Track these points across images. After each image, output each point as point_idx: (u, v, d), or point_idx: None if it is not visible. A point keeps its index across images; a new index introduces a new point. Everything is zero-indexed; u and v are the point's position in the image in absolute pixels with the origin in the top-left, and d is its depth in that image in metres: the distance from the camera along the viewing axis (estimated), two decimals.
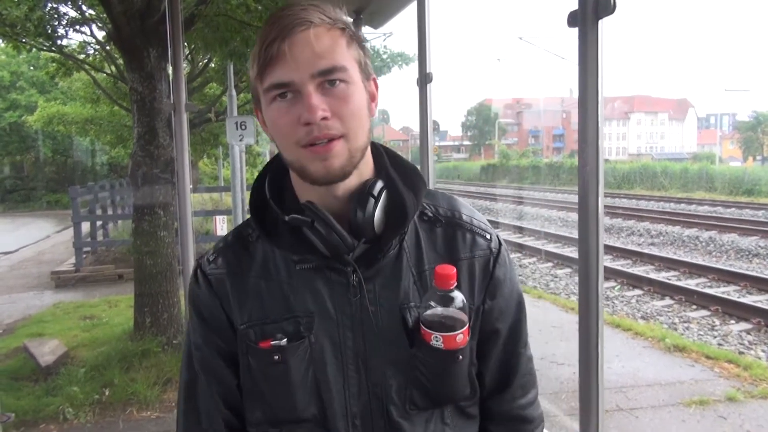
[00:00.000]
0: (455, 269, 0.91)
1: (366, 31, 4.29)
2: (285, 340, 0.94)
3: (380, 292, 0.95)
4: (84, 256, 10.45)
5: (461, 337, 0.91)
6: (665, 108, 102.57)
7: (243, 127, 7.93)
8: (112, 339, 5.64)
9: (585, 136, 1.73)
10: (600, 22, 1.66)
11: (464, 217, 1.02)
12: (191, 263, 3.89)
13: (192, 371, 1.03)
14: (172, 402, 4.51)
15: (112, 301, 7.76)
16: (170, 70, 3.92)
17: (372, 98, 0.96)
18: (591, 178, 1.74)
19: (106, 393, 4.61)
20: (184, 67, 4.74)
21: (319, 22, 0.88)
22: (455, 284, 0.90)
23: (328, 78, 0.87)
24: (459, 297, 0.91)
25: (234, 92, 8.65)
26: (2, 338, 5.77)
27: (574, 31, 1.74)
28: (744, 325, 7.02)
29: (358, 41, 0.93)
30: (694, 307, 7.82)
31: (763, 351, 6.28)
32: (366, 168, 0.97)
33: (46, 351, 5.39)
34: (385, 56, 11.39)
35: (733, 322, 7.21)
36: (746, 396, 4.48)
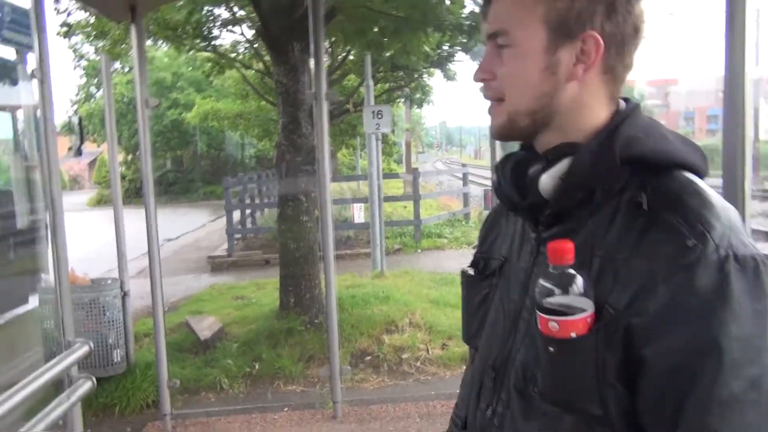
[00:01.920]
0: (572, 243, 0.77)
1: None
2: (472, 271, 1.03)
3: None
4: (235, 242, 11.24)
5: (555, 326, 0.76)
6: None
7: (379, 116, 8.09)
8: (261, 318, 6.04)
9: (731, 119, 1.62)
10: None
11: (680, 209, 0.77)
12: (331, 248, 4.09)
13: None
14: (314, 378, 4.77)
15: (260, 283, 8.26)
16: (312, 62, 4.13)
17: (577, 60, 0.83)
18: (738, 163, 1.63)
19: (256, 367, 4.96)
20: (325, 59, 4.94)
21: None
22: (571, 262, 0.76)
23: (496, 42, 0.87)
24: (576, 283, 0.76)
25: (371, 82, 8.85)
26: (168, 315, 6.35)
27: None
28: None
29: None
30: None
31: None
32: (576, 129, 0.87)
33: (204, 327, 5.89)
34: None
35: None
36: None
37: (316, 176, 4.88)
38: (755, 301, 0.73)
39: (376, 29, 5.90)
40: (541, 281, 0.78)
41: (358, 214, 12.05)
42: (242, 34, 9.31)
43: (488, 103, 0.91)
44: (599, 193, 0.82)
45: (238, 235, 11.91)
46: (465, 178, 14.64)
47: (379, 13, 5.55)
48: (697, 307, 0.72)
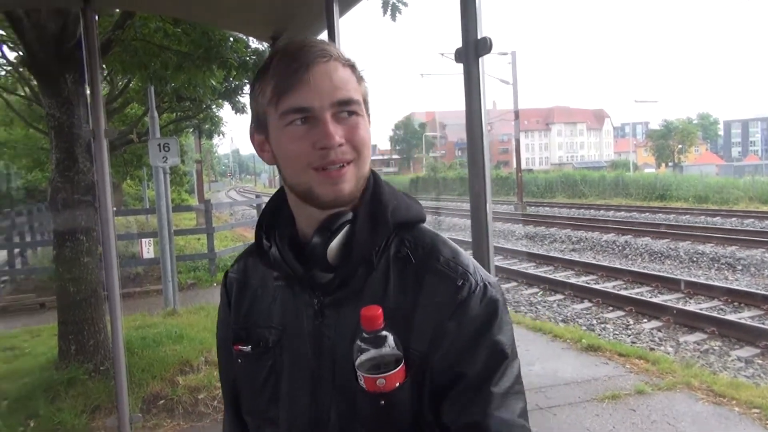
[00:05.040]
0: (381, 309, 0.88)
1: None
2: (249, 347, 1.06)
3: (339, 322, 0.97)
4: (2, 285, 10.04)
5: (382, 382, 0.88)
6: (583, 118, 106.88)
7: (166, 148, 7.83)
8: (36, 369, 5.48)
9: (473, 155, 1.94)
10: (480, 59, 1.88)
11: (441, 258, 0.98)
12: (116, 288, 3.88)
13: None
14: (101, 429, 4.46)
15: (34, 330, 7.48)
16: (88, 95, 3.90)
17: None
18: (481, 192, 1.95)
19: (31, 425, 4.50)
20: (103, 87, 4.70)
21: (336, 57, 0.95)
22: (382, 326, 0.88)
23: (345, 108, 0.94)
24: (388, 341, 0.88)
25: (156, 114, 8.53)
26: None
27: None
28: (655, 323, 7.51)
29: (363, 81, 1.01)
30: (611, 308, 8.28)
31: (672, 346, 6.74)
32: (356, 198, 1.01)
33: None
34: None
35: (645, 320, 7.69)
36: (654, 389, 4.83)
37: (97, 211, 4.60)
38: (507, 314, 0.97)
39: (158, 62, 5.72)
40: (358, 343, 0.88)
41: (147, 249, 11.44)
42: (3, 56, 8.43)
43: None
44: (374, 255, 0.98)
45: (5, 277, 10.64)
46: (259, 209, 14.64)
47: (160, 48, 5.41)
48: (479, 329, 0.92)
